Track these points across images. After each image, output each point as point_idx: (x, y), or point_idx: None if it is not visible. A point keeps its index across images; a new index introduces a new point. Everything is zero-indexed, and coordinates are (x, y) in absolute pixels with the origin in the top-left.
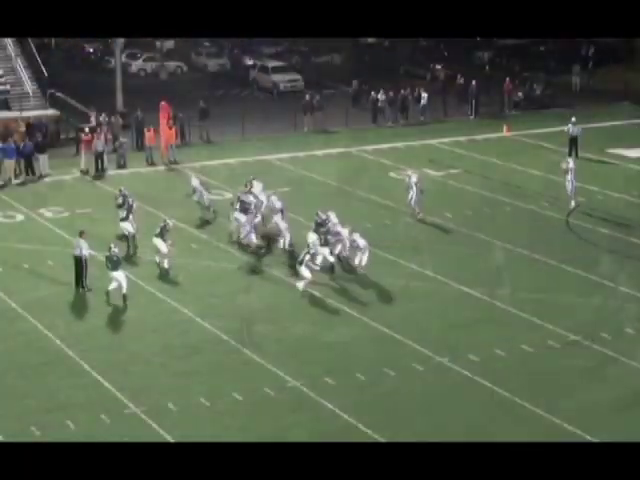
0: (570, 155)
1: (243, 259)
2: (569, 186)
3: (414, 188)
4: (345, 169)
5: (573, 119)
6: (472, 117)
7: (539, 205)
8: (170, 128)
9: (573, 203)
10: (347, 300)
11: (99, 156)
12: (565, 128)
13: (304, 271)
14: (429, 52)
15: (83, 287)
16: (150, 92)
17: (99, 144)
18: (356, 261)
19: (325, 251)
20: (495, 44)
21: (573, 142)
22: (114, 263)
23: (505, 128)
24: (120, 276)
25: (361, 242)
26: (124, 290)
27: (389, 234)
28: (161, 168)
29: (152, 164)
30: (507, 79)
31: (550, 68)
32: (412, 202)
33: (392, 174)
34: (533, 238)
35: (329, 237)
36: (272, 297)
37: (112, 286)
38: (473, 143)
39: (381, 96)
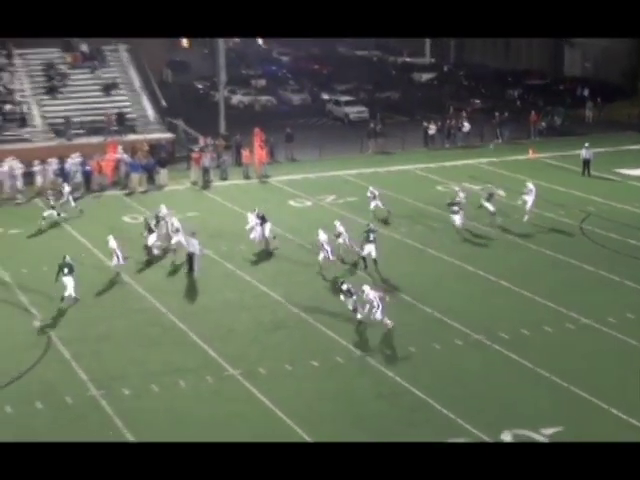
0: (583, 174)
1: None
2: (528, 203)
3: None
4: (401, 183)
5: (586, 144)
6: (500, 142)
7: (557, 213)
8: (262, 149)
9: (526, 217)
10: (399, 286)
11: (206, 171)
12: (580, 152)
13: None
14: (470, 90)
15: (192, 275)
16: (246, 120)
17: (206, 161)
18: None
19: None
20: (523, 84)
21: (586, 163)
22: (69, 269)
23: (530, 151)
24: (69, 281)
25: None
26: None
27: (435, 235)
28: (255, 181)
29: (247, 178)
30: (533, 112)
31: (568, 103)
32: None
33: (439, 187)
34: (552, 240)
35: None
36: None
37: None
38: (504, 163)
39: (431, 125)
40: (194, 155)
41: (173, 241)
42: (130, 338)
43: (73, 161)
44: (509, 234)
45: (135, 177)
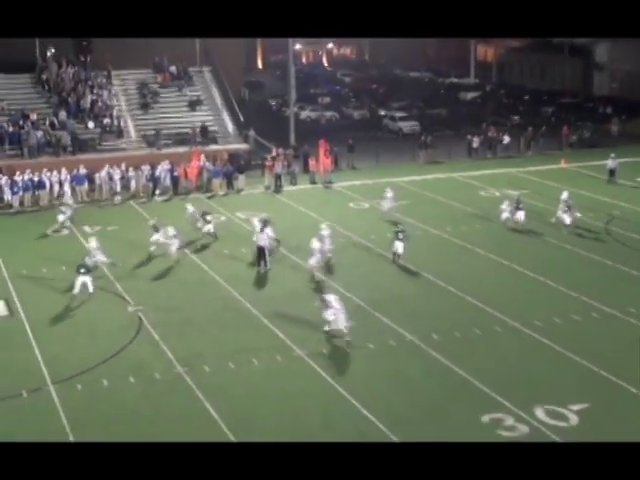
0: (609, 182)
1: (377, 250)
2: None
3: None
4: (448, 188)
5: (612, 155)
6: (530, 153)
7: (586, 215)
8: (327, 158)
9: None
10: (446, 278)
11: (278, 177)
12: (606, 162)
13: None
14: (509, 107)
15: (265, 266)
16: (313, 133)
17: (278, 168)
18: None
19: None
20: (557, 102)
21: (612, 172)
22: (86, 269)
23: (563, 161)
24: (81, 280)
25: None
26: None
27: (477, 234)
28: (320, 186)
29: (314, 183)
30: (565, 126)
31: (596, 119)
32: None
33: (482, 193)
34: (581, 239)
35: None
36: (395, 278)
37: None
38: (540, 172)
39: (475, 138)
40: (267, 163)
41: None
42: (209, 322)
43: (162, 168)
44: (544, 234)
45: (216, 182)
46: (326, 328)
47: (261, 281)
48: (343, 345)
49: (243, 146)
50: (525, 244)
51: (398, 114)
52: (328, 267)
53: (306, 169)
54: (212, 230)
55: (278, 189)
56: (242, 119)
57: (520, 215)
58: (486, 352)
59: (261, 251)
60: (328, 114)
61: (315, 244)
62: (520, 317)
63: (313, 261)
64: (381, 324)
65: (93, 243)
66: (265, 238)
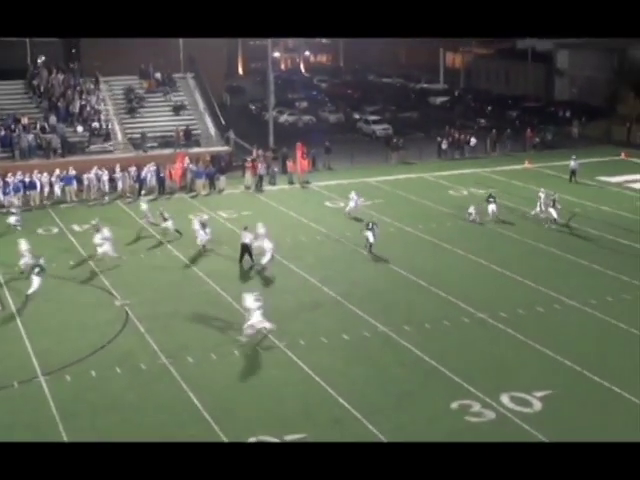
0: (570, 181)
1: (351, 247)
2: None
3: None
4: (419, 188)
5: (573, 156)
6: (495, 154)
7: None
8: (304, 159)
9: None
10: (417, 273)
11: (260, 177)
12: (568, 163)
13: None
14: (476, 110)
15: (252, 262)
16: (291, 136)
17: (261, 169)
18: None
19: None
20: (521, 106)
21: (573, 173)
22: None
23: (527, 162)
24: (36, 280)
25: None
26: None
27: (448, 231)
28: (297, 186)
29: (292, 183)
30: (528, 129)
31: (558, 122)
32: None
33: (451, 192)
34: (544, 235)
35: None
36: (370, 273)
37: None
38: (505, 172)
39: (444, 140)
40: (247, 164)
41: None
42: (193, 315)
43: (148, 169)
44: (509, 230)
45: (199, 182)
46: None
47: (242, 277)
48: (321, 335)
49: (224, 148)
50: (491, 240)
51: (372, 117)
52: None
53: (284, 170)
54: (172, 227)
55: (258, 189)
56: (223, 122)
57: (492, 208)
58: (455, 342)
59: (245, 248)
60: (305, 118)
61: (266, 244)
62: (486, 309)
63: (266, 260)
64: (356, 316)
65: (23, 245)
66: (249, 236)
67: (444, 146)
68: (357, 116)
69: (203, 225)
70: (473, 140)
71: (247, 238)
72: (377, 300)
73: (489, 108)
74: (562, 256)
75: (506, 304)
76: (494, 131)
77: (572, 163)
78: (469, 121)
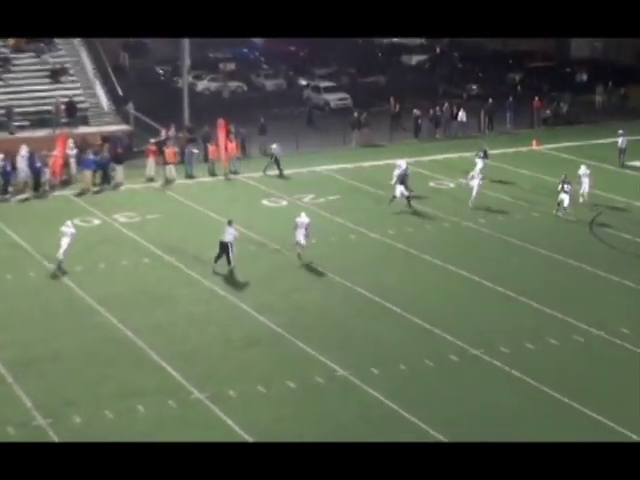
0: (621, 165)
1: (294, 261)
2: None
3: None
4: (390, 179)
5: (620, 131)
6: (492, 133)
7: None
8: (231, 142)
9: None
10: (386, 294)
11: (167, 166)
12: (588, 142)
13: None
14: (465, 74)
15: (229, 264)
16: (214, 110)
17: (172, 156)
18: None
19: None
20: (525, 67)
21: (621, 152)
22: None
23: (534, 142)
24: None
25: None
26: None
27: (427, 236)
28: (221, 179)
29: (214, 175)
30: (536, 98)
31: (575, 87)
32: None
33: (431, 184)
34: (558, 242)
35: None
36: (322, 295)
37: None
38: (505, 156)
39: (423, 114)
40: (150, 148)
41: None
42: (80, 358)
43: (17, 157)
44: (511, 233)
45: (87, 174)
46: None
47: (147, 302)
48: (258, 383)
49: (122, 127)
50: (486, 248)
51: (323, 84)
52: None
53: (205, 157)
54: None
55: (168, 182)
56: (120, 92)
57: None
58: (440, 389)
59: (224, 248)
60: (232, 85)
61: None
62: (482, 343)
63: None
64: (305, 355)
65: None
66: (233, 233)
67: (421, 121)
68: (304, 82)
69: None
70: (462, 114)
71: (230, 235)
72: (333, 333)
73: (482, 70)
74: (583, 269)
75: (508, 336)
76: (490, 101)
77: (620, 140)
78: (456, 88)
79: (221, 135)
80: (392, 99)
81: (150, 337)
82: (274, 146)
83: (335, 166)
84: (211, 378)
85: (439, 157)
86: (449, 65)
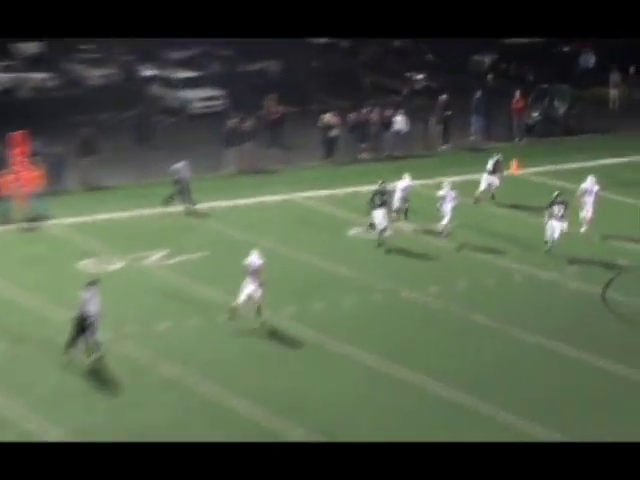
0: None
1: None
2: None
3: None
4: (284, 225)
5: None
6: (447, 147)
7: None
8: (29, 170)
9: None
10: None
11: None
12: (598, 163)
13: None
14: (406, 56)
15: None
16: (6, 116)
17: None
18: None
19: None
20: (500, 44)
21: None
22: None
23: (514, 164)
24: None
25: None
26: None
27: (351, 315)
28: (16, 227)
29: (7, 221)
30: (517, 93)
31: (577, 75)
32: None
33: (351, 231)
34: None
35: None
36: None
37: None
38: (468, 185)
39: (336, 121)
40: None
41: None
42: None
43: None
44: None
45: None
46: None
47: None
48: None
49: None
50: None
51: (181, 75)
52: None
53: None
54: None
55: None
56: None
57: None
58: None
59: (82, 323)
60: (36, 77)
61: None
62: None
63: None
64: None
65: None
66: (96, 303)
67: (335, 132)
68: (149, 72)
69: None
70: (400, 119)
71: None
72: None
73: (432, 50)
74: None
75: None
76: (444, 98)
77: None
78: (391, 79)
79: (16, 158)
80: (267, 99)
81: None
82: (178, 166)
83: (200, 205)
84: None
85: (362, 189)
86: (380, 43)
